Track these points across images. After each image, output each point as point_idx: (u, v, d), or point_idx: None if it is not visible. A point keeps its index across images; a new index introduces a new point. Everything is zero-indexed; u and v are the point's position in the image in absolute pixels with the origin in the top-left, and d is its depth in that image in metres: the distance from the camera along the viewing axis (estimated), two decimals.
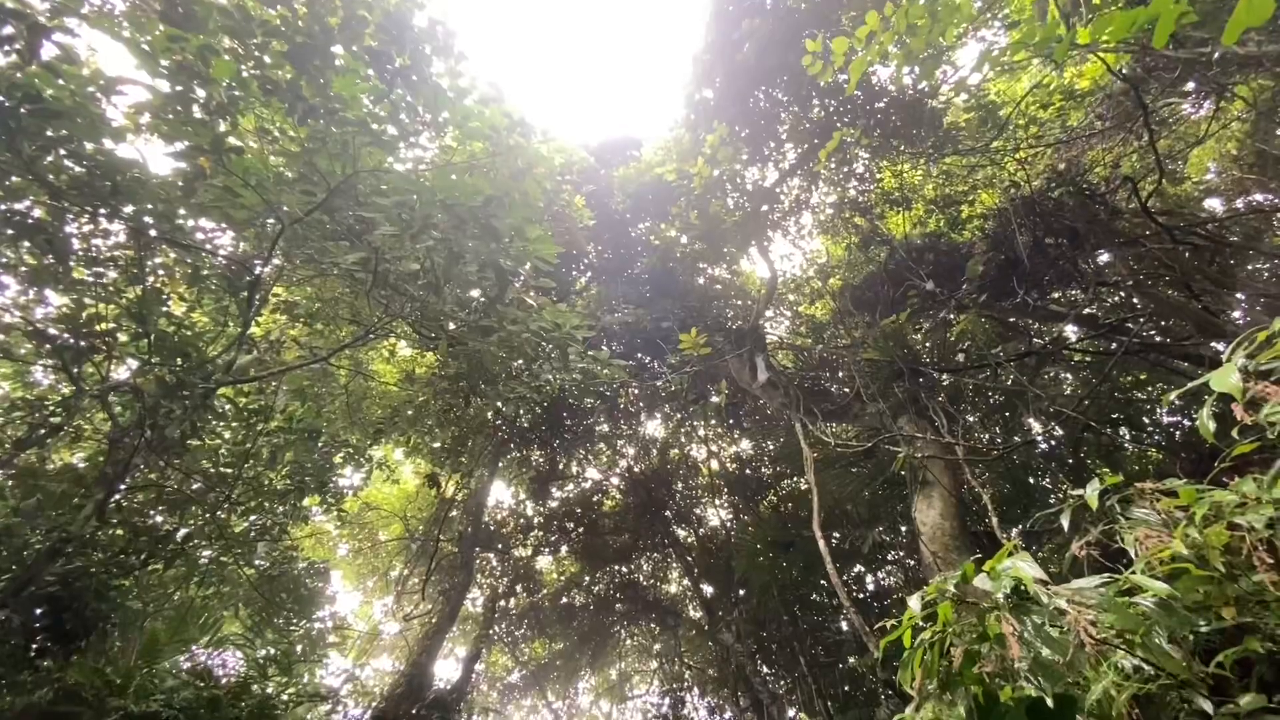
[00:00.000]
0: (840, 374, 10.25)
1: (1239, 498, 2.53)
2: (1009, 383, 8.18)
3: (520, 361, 7.94)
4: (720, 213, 10.81)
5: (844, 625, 10.72)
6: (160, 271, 7.58)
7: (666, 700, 16.83)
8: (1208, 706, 2.86)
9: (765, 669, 12.34)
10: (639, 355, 19.42)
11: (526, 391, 8.90)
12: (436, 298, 6.74)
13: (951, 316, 7.61)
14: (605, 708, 20.63)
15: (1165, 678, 2.98)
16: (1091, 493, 3.02)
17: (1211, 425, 2.03)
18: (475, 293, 6.10)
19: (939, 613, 2.30)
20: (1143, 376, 10.61)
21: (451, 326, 7.61)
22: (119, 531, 7.12)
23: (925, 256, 9.72)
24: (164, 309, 7.38)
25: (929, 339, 8.31)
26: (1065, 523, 3.15)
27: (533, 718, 20.45)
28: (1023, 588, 2.09)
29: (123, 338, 7.26)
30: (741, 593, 14.37)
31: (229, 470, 11.25)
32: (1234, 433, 2.27)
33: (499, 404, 13.46)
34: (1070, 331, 9.98)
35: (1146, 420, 9.76)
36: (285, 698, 8.26)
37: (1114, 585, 2.12)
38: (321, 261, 7.38)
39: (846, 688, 9.35)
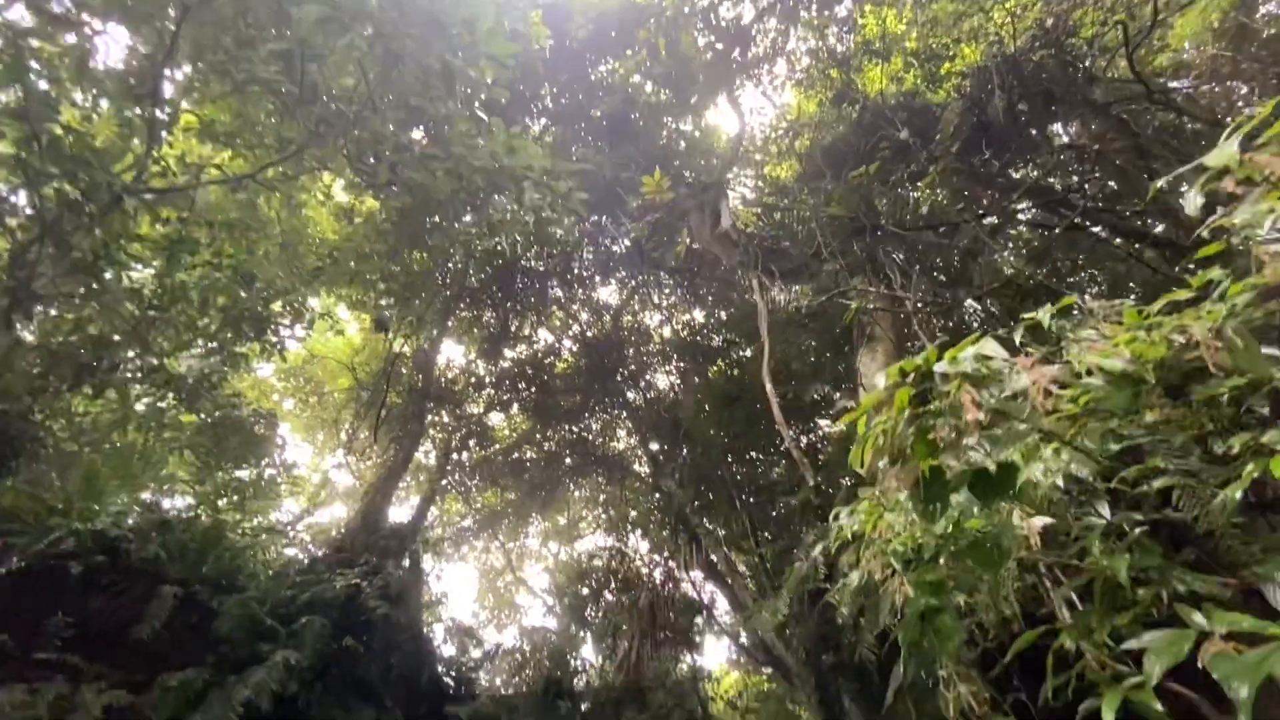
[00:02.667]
0: (800, 235, 10.16)
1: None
2: (963, 244, 8.29)
3: (471, 195, 7.40)
4: (690, 51, 9.93)
5: (775, 474, 11.57)
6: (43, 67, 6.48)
7: (611, 541, 18.25)
8: (1105, 513, 3.13)
9: (705, 516, 13.33)
10: (595, 217, 18.72)
11: (478, 233, 8.42)
12: (374, 115, 6.06)
13: (919, 170, 7.47)
14: (554, 548, 22.26)
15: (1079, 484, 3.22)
16: (1044, 314, 3.07)
17: (1199, 202, 1.99)
18: (415, 103, 5.46)
19: (896, 398, 2.35)
20: (1081, 259, 10.96)
21: (391, 154, 6.96)
22: (36, 358, 6.67)
23: (899, 115, 9.36)
24: (56, 114, 6.40)
25: (894, 193, 8.20)
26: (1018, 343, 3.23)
27: (485, 557, 21.87)
28: (984, 369, 2.12)
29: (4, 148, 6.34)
30: (686, 450, 15.20)
31: (156, 313, 10.61)
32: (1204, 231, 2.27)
33: (449, 249, 12.89)
34: (1024, 210, 10.05)
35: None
36: (238, 529, 8.39)
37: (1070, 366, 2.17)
38: (237, 72, 6.45)
39: (776, 526, 10.27)
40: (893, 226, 7.84)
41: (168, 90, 7.29)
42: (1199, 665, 1.77)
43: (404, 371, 17.32)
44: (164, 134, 7.43)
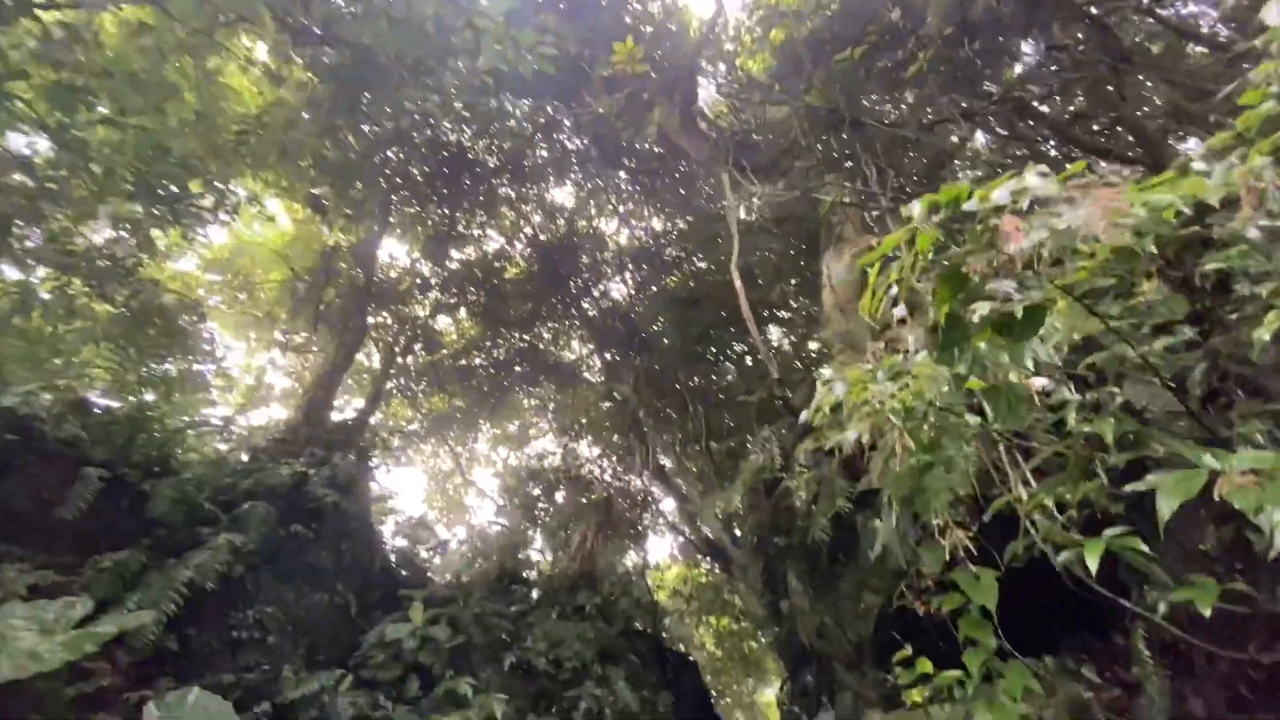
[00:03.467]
0: (773, 132, 9.73)
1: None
2: (940, 147, 8.11)
3: (418, 61, 6.55)
4: None
5: (729, 380, 11.68)
6: None
7: (561, 447, 18.43)
8: (1131, 353, 3.06)
9: (658, 421, 13.49)
10: (548, 109, 17.47)
11: (423, 109, 7.55)
12: None
13: (905, 58, 7.11)
14: (503, 454, 22.37)
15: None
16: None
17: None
18: None
19: (918, 240, 2.18)
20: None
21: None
22: None
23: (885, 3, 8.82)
24: None
25: (877, 83, 7.85)
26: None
27: (434, 461, 21.80)
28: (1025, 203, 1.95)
29: None
30: (640, 358, 15.16)
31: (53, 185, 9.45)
32: None
33: (390, 127, 11.79)
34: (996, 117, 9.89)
35: None
36: (165, 420, 7.81)
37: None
38: None
39: (728, 430, 10.49)
40: (872, 120, 7.54)
41: None
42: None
43: (343, 266, 16.27)
44: None
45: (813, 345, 11.23)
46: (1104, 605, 4.91)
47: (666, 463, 15.07)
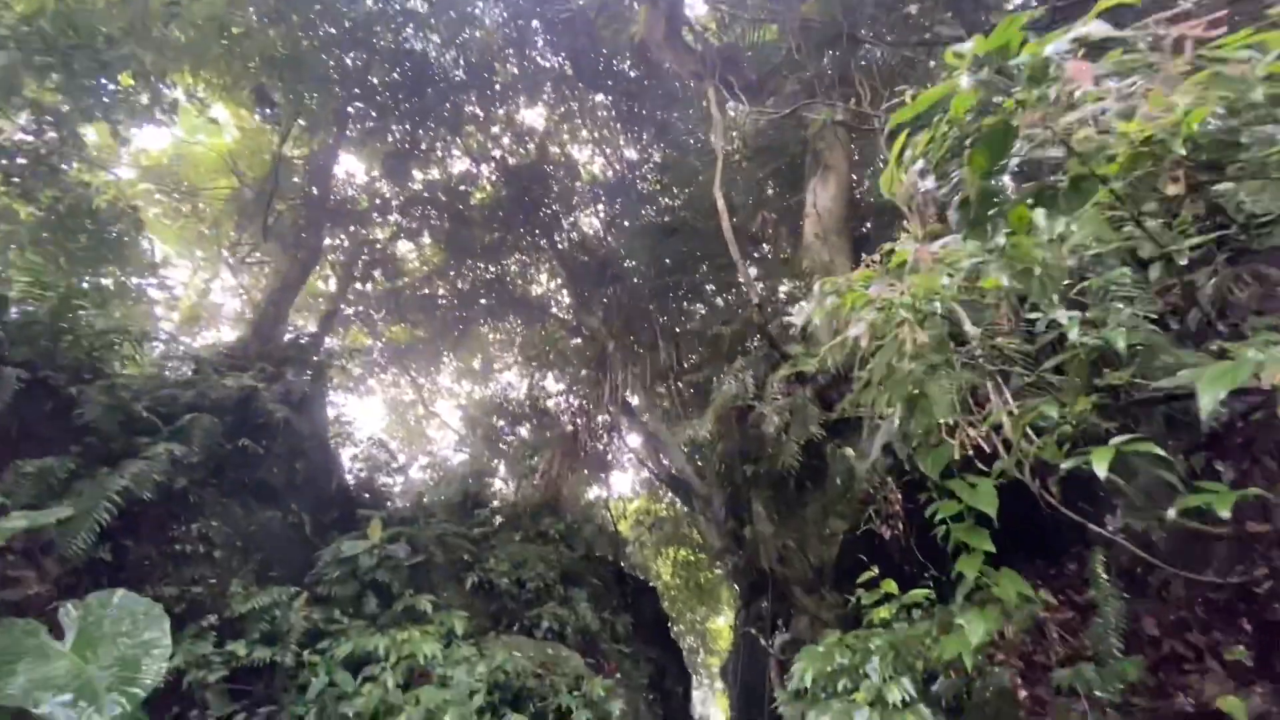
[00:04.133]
0: (763, 49, 9.19)
1: None
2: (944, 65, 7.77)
3: None
4: None
5: (702, 311, 11.42)
6: None
7: (526, 380, 18.14)
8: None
9: (627, 354, 13.25)
10: (520, 20, 16.33)
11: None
12: None
13: None
14: (467, 386, 21.99)
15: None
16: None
17: None
18: None
19: (953, 104, 1.91)
20: None
21: None
22: None
23: None
24: None
25: None
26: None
27: (394, 391, 21.30)
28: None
29: None
30: (612, 289, 14.78)
31: None
32: None
33: (345, 24, 10.78)
34: None
35: None
36: (95, 325, 7.10)
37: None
38: None
39: (699, 362, 10.35)
40: (869, 38, 7.12)
41: None
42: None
43: (296, 181, 15.18)
44: None
45: (786, 289, 11.06)
46: (1062, 530, 5.02)
47: (634, 399, 15.00)
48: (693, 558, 17.43)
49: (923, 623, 4.16)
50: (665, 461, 14.54)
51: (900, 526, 5.13)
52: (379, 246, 18.81)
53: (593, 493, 17.90)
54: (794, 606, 7.52)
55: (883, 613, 4.23)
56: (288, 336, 11.26)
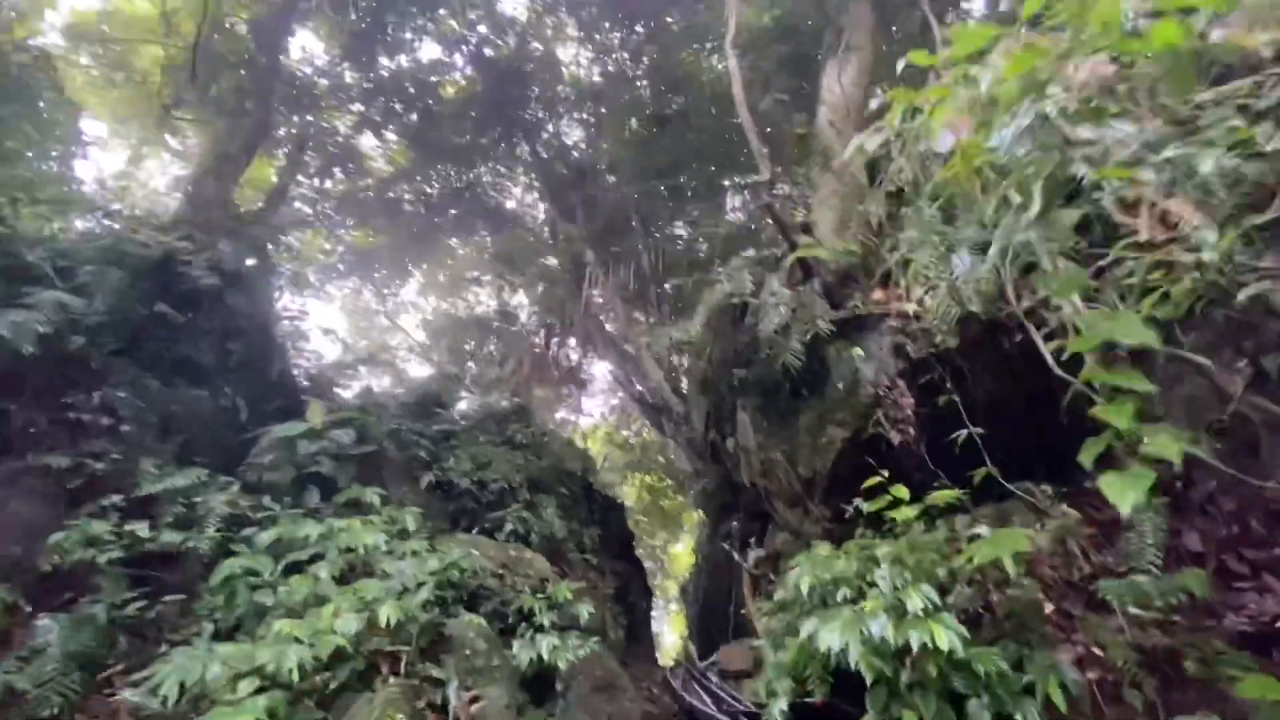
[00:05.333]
0: None
1: None
2: None
3: None
4: None
5: (694, 213, 10.52)
6: None
7: (497, 295, 17.17)
8: None
9: (606, 265, 12.38)
10: None
11: None
12: None
13: None
14: (433, 301, 20.87)
15: None
16: None
17: None
18: None
19: None
20: None
21: None
22: None
23: None
24: None
25: None
26: None
27: (356, 300, 20.09)
28: None
29: None
30: (594, 194, 13.72)
31: None
32: None
33: None
34: None
35: None
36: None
37: None
38: None
39: (697, 256, 9.52)
40: None
41: None
42: None
43: (248, 49, 13.42)
44: None
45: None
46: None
47: (611, 324, 14.24)
48: (658, 483, 17.26)
49: (940, 530, 3.68)
50: (639, 387, 14.00)
51: (911, 431, 4.61)
52: (339, 139, 17.23)
53: (562, 414, 17.42)
54: (774, 521, 7.13)
55: (904, 513, 3.72)
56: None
